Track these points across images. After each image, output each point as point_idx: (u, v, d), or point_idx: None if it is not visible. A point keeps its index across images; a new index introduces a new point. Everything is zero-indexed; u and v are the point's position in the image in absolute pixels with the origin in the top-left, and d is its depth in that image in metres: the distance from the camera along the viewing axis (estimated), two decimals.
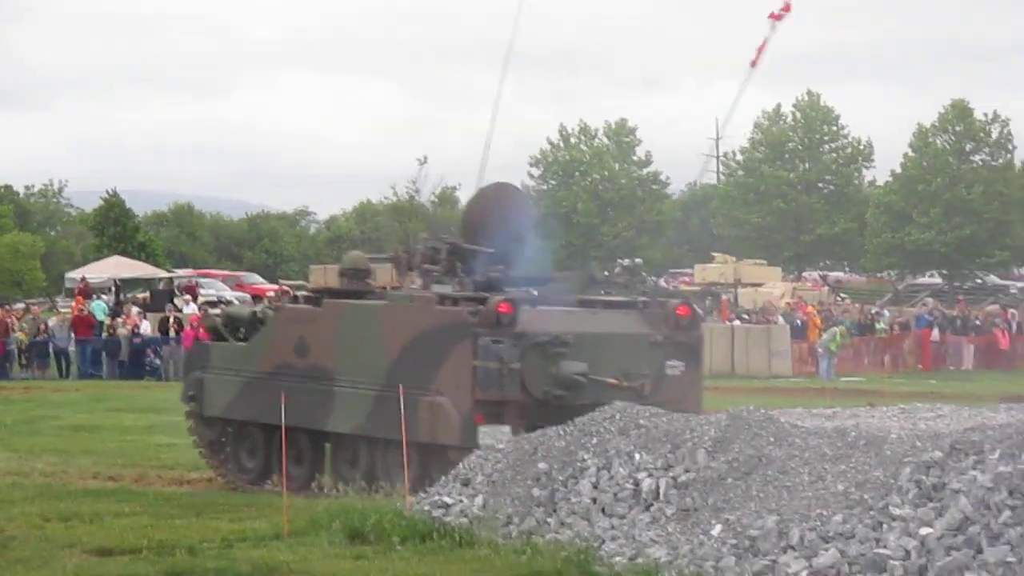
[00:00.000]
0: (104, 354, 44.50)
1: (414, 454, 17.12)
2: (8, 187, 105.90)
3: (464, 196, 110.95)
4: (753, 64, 33.38)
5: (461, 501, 14.46)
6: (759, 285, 65.41)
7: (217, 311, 24.19)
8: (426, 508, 14.51)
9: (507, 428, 17.08)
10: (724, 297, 60.94)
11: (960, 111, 78.88)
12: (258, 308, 21.45)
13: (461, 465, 15.22)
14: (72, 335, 44.87)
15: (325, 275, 67.79)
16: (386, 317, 18.30)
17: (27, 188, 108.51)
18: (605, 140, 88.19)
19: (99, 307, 49.27)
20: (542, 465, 14.32)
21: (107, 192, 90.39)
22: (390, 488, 16.89)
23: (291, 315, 19.80)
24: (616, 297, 19.81)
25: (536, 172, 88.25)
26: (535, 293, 19.08)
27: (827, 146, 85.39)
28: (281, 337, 19.54)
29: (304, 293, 20.77)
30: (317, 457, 19.45)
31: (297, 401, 18.24)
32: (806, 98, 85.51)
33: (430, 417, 17.34)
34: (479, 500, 14.35)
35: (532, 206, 17.77)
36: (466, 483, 14.76)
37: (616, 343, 17.96)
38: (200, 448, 20.64)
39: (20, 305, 58.25)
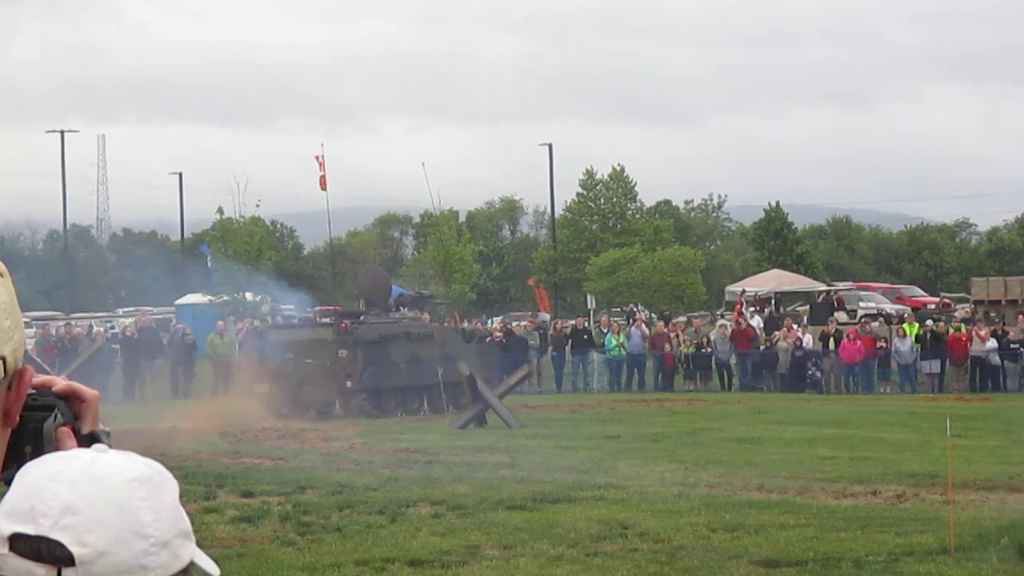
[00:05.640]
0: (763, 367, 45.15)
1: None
2: (668, 201, 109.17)
3: None
4: None
5: None
6: None
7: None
8: None
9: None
10: None
11: None
12: None
13: None
14: (733, 347, 45.75)
15: (988, 288, 66.33)
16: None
17: (687, 203, 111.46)
18: None
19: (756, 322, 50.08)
20: None
21: (769, 204, 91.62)
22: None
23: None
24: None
25: None
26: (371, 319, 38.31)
27: None
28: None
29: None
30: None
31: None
32: None
33: (331, 377, 35.94)
34: None
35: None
36: None
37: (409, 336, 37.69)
38: None
39: (682, 318, 59.88)
